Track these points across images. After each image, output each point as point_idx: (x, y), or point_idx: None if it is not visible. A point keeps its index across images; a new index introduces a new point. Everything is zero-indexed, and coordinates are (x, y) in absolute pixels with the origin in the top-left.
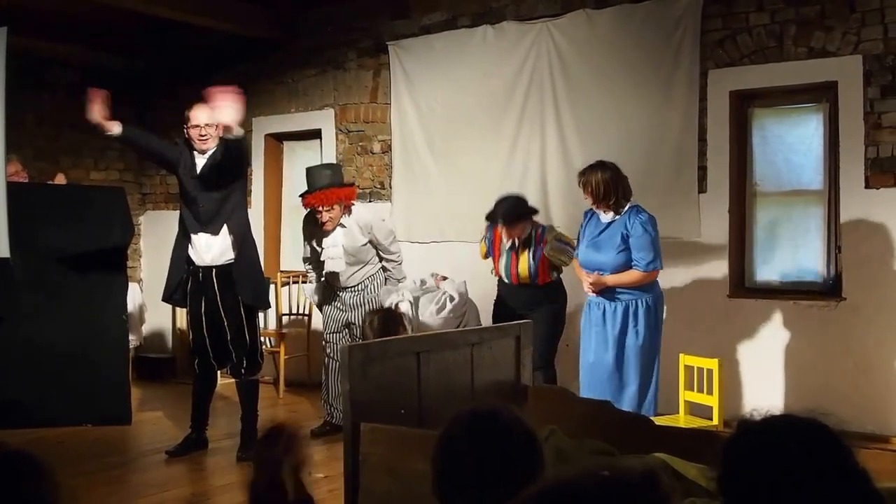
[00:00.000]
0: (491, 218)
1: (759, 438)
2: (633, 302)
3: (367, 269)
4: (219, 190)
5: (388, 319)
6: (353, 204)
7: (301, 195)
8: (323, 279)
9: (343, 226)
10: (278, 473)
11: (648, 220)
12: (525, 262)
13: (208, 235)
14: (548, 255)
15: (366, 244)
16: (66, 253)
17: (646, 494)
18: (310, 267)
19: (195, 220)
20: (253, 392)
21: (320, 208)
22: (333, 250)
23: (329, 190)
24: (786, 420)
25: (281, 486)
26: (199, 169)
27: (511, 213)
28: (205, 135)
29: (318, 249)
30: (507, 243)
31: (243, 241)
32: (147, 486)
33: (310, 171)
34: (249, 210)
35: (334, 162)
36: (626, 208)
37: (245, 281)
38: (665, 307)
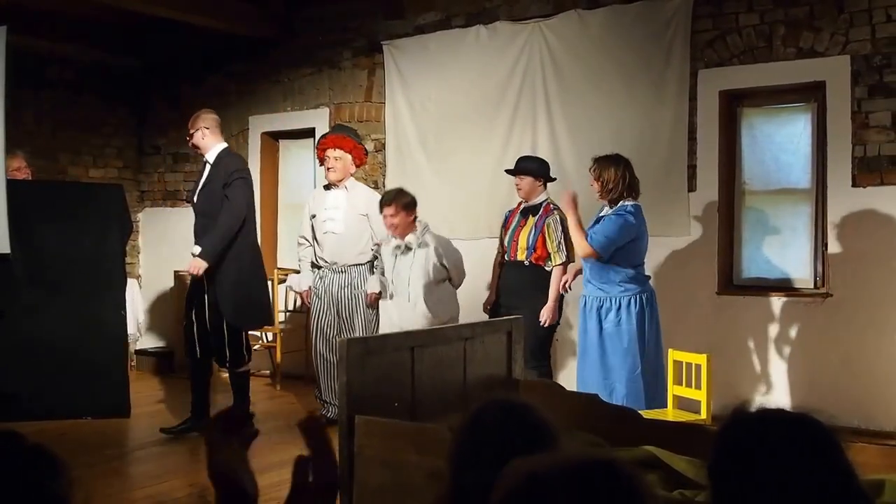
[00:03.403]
0: (521, 165)
1: (752, 428)
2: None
3: (359, 254)
4: (210, 209)
5: (413, 200)
6: (362, 163)
7: (320, 137)
8: (313, 265)
9: (347, 189)
10: (231, 457)
11: (626, 214)
12: (528, 230)
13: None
14: (545, 225)
15: (364, 215)
16: (65, 249)
17: (611, 484)
18: (304, 250)
19: (194, 232)
20: (241, 384)
21: (330, 153)
22: (335, 212)
23: (344, 137)
24: (779, 414)
25: (240, 467)
26: (201, 184)
27: (539, 166)
28: (193, 143)
29: (322, 217)
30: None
31: (232, 261)
32: (146, 478)
33: (334, 126)
34: None
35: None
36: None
37: (225, 297)
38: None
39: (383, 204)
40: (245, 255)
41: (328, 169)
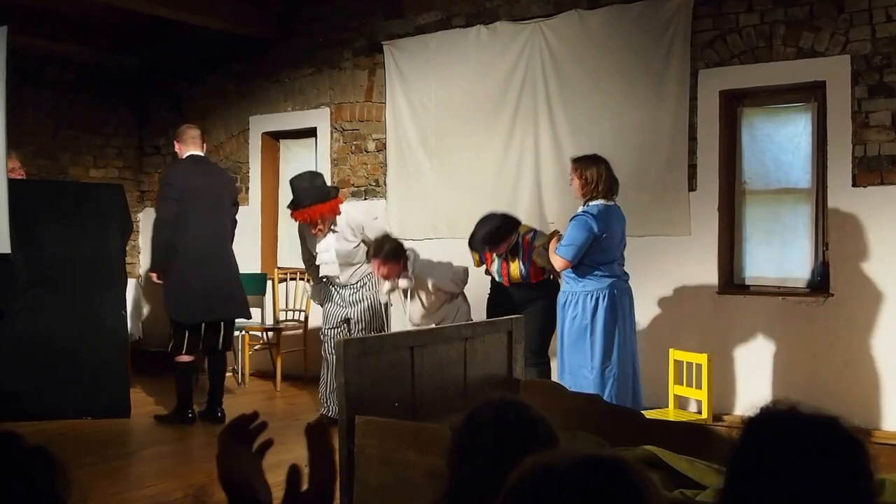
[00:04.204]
0: (471, 244)
1: (778, 429)
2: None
3: (365, 268)
4: None
5: (397, 247)
6: (338, 213)
7: (288, 207)
8: (323, 281)
9: (334, 231)
10: (244, 464)
11: (586, 216)
12: (516, 268)
13: None
14: (536, 261)
15: (357, 245)
16: (66, 249)
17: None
18: (308, 266)
19: None
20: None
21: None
22: (326, 255)
23: (312, 208)
24: (808, 416)
25: (254, 475)
26: None
27: (490, 238)
28: None
29: (314, 253)
30: (495, 257)
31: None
32: (146, 478)
33: (293, 186)
34: (246, 207)
35: (315, 171)
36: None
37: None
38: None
39: (370, 257)
40: (176, 265)
41: (314, 233)
